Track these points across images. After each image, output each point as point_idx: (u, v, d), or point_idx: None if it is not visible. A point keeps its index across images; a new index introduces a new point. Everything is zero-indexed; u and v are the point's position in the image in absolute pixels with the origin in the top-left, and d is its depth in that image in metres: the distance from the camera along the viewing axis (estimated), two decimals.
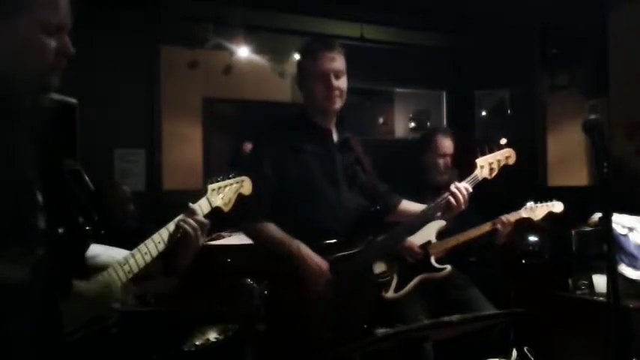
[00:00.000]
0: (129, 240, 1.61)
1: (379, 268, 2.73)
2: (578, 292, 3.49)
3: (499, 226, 3.16)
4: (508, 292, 3.72)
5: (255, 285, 2.97)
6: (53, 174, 1.32)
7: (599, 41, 4.70)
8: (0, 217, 1.13)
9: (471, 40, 5.52)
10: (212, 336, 2.94)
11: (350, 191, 2.47)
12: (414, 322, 2.48)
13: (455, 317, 1.79)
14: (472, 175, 2.54)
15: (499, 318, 2.74)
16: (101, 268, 1.54)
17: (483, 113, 5.71)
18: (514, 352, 3.16)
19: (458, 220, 2.92)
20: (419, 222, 2.59)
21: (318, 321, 2.27)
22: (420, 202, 2.66)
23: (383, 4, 5.15)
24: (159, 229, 1.66)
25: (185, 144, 5.02)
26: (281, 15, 5.09)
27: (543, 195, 3.29)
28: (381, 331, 1.89)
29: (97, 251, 1.56)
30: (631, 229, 3.36)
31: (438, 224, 3.03)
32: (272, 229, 2.34)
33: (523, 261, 4.19)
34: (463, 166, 2.82)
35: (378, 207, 2.55)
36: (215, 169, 4.87)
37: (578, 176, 4.74)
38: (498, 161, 2.60)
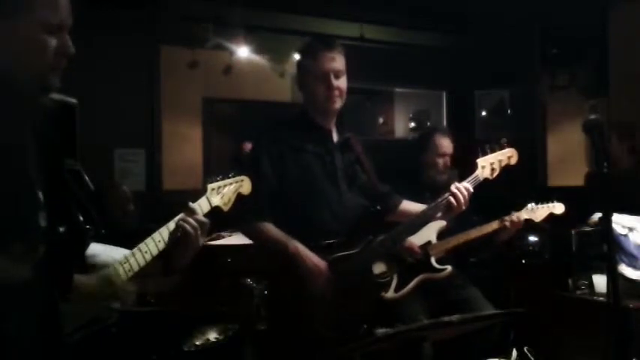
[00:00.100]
0: (129, 240, 1.61)
1: (379, 268, 2.72)
2: (578, 292, 3.48)
3: (508, 224, 3.13)
4: (508, 292, 3.72)
5: (255, 285, 2.98)
6: (54, 173, 1.32)
7: (599, 41, 4.71)
8: (2, 215, 1.13)
9: (471, 40, 5.52)
10: (212, 336, 2.94)
11: (350, 191, 2.46)
12: (413, 322, 2.47)
13: (455, 317, 1.79)
14: (473, 175, 2.54)
15: (499, 318, 2.73)
16: (101, 267, 1.54)
17: (483, 113, 5.71)
18: (514, 352, 3.15)
19: (458, 220, 2.91)
20: (419, 222, 2.58)
21: (318, 321, 2.27)
22: (420, 203, 2.66)
23: (383, 4, 5.15)
24: (159, 229, 1.66)
25: (185, 144, 5.03)
26: (281, 15, 5.10)
27: (543, 195, 3.29)
28: (381, 331, 1.89)
29: (97, 250, 1.56)
30: (631, 229, 3.35)
31: (439, 224, 3.02)
32: (270, 229, 2.34)
33: (523, 261, 4.19)
34: (464, 166, 2.81)
35: (378, 207, 2.55)
36: (215, 169, 4.87)
37: (578, 176, 4.73)
38: (500, 161, 2.59)
